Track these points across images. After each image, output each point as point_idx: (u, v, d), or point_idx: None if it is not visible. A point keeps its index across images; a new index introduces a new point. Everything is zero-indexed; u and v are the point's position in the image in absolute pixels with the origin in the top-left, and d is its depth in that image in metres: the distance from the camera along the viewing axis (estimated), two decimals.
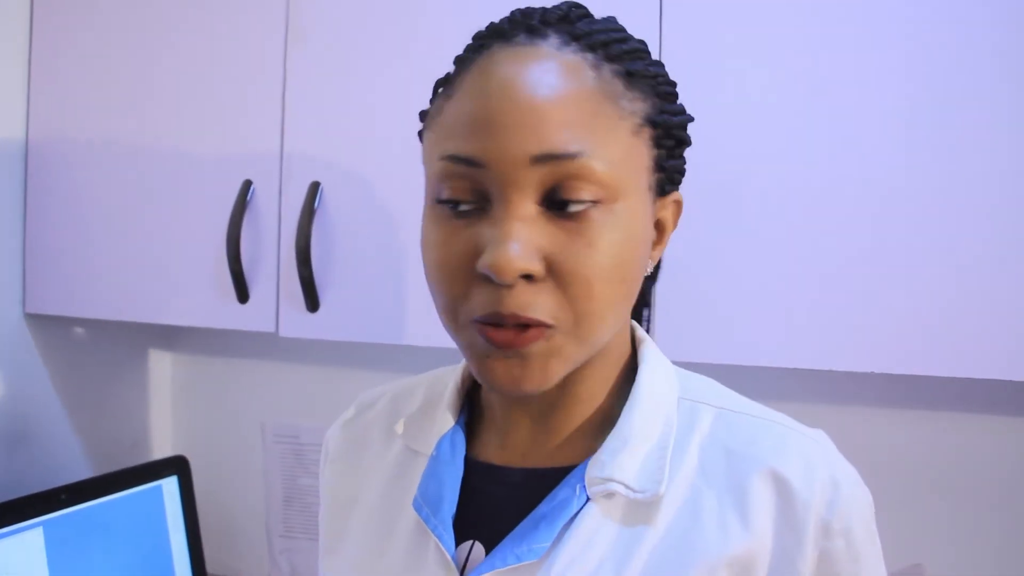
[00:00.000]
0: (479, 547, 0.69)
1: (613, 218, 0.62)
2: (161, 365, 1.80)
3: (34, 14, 1.48)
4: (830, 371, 1.04)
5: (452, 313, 0.64)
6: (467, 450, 0.74)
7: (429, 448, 0.74)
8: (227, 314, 1.30)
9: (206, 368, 1.77)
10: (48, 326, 1.54)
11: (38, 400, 1.54)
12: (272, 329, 1.27)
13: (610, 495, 0.66)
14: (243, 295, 1.28)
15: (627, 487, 0.65)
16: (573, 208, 0.61)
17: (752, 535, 0.64)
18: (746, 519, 0.64)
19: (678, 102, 0.70)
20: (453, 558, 0.68)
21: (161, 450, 1.78)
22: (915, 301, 1.00)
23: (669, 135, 0.67)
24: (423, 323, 1.19)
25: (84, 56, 1.43)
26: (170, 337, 1.79)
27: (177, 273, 1.35)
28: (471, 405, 0.78)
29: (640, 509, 0.66)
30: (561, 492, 0.66)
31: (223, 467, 1.71)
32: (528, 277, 0.60)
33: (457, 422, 0.75)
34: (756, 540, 0.64)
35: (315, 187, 1.23)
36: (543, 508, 0.66)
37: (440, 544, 0.68)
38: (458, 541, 0.69)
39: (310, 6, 1.26)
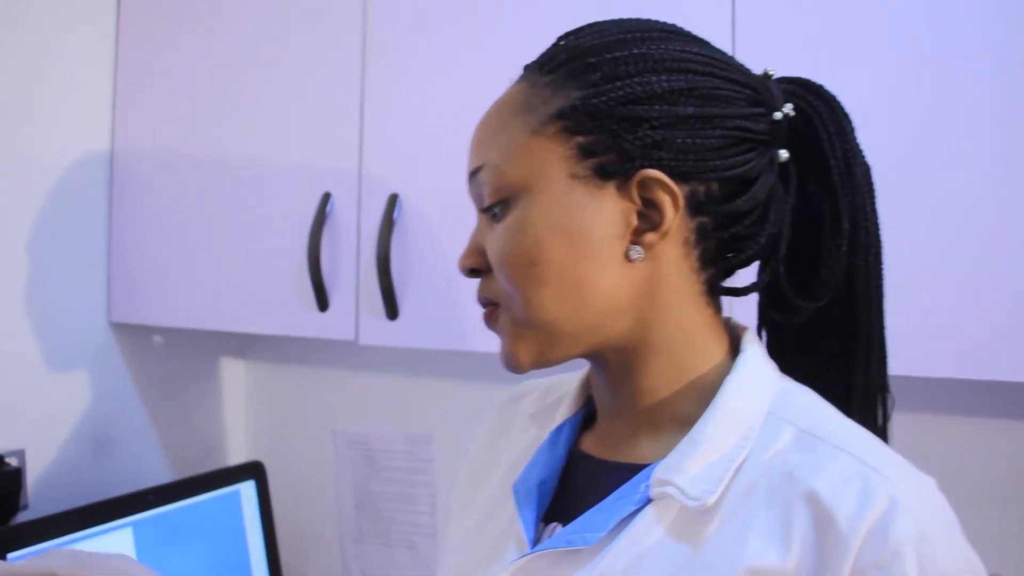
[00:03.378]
0: (559, 530, 0.73)
1: (519, 211, 0.70)
2: (236, 373, 1.85)
3: (120, 31, 1.54)
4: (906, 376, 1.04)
5: None
6: (576, 441, 0.79)
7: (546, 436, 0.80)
8: (307, 323, 1.34)
9: (279, 376, 1.82)
10: (131, 335, 1.59)
11: (121, 406, 1.59)
12: (352, 337, 1.31)
13: (667, 498, 0.66)
14: (323, 304, 1.32)
15: (682, 492, 0.65)
16: (492, 211, 0.72)
17: (785, 559, 0.62)
18: (785, 543, 0.62)
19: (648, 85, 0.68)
20: (529, 536, 0.73)
21: (236, 456, 1.83)
22: (1004, 306, 1.00)
23: (594, 120, 0.68)
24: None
25: (167, 72, 1.49)
26: (245, 346, 1.84)
27: (257, 283, 1.39)
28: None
29: (690, 516, 0.66)
30: (627, 488, 0.69)
31: (296, 473, 1.75)
32: (475, 271, 0.75)
33: (575, 414, 0.80)
34: (788, 565, 0.62)
35: (394, 199, 1.27)
36: (607, 501, 0.69)
37: (520, 522, 0.74)
38: (547, 522, 0.74)
39: (387, 22, 1.30)
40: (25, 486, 1.33)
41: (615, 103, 0.68)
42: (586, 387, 0.82)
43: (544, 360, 0.72)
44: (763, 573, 0.62)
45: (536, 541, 0.73)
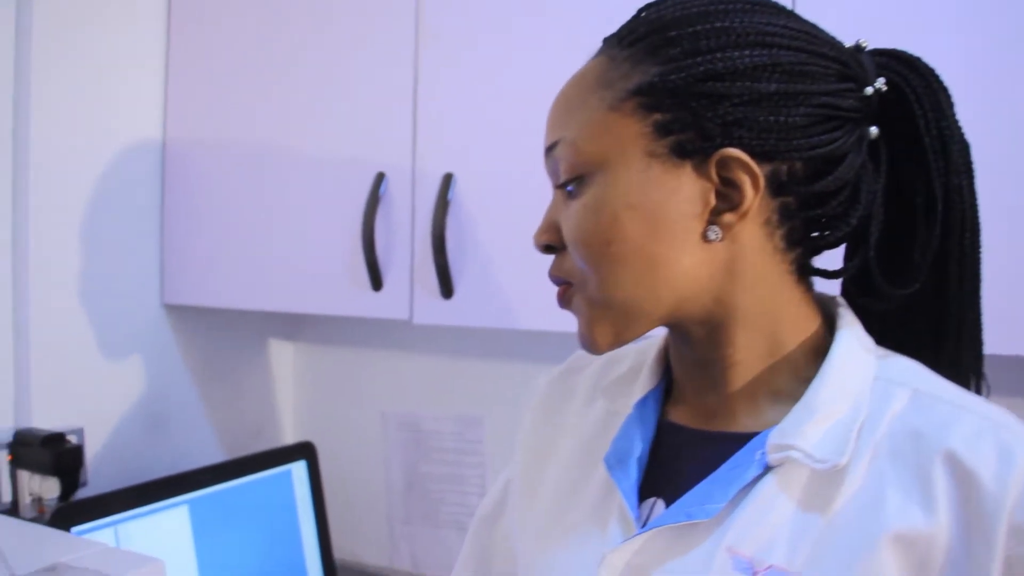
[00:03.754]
0: (660, 504, 0.72)
1: (596, 189, 0.69)
2: (286, 354, 1.86)
3: (171, 18, 1.55)
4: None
5: None
6: (662, 413, 0.78)
7: (627, 409, 0.78)
8: (361, 302, 1.35)
9: (328, 357, 1.83)
10: (184, 316, 1.61)
11: (175, 386, 1.61)
12: (406, 316, 1.31)
13: (790, 464, 0.66)
14: (377, 283, 1.32)
15: (808, 456, 0.64)
16: (568, 187, 0.71)
17: (931, 521, 0.61)
18: (928, 505, 0.61)
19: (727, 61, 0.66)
20: (634, 513, 0.71)
21: (286, 437, 1.85)
22: None
23: (673, 97, 0.67)
24: (557, 308, 1.21)
25: (218, 55, 1.50)
26: (294, 327, 1.86)
27: (310, 263, 1.40)
28: (671, 371, 0.80)
29: (819, 480, 0.65)
30: (741, 457, 0.68)
31: (345, 455, 1.76)
32: (549, 248, 0.74)
33: (656, 387, 0.79)
34: (935, 527, 0.61)
35: (448, 178, 1.27)
36: (721, 471, 0.68)
37: (623, 499, 0.72)
38: (643, 498, 0.73)
39: (440, 2, 1.30)
40: (85, 463, 1.35)
41: (695, 80, 0.66)
42: (663, 358, 0.80)
43: (622, 340, 0.71)
44: (909, 537, 0.61)
45: (644, 519, 0.72)
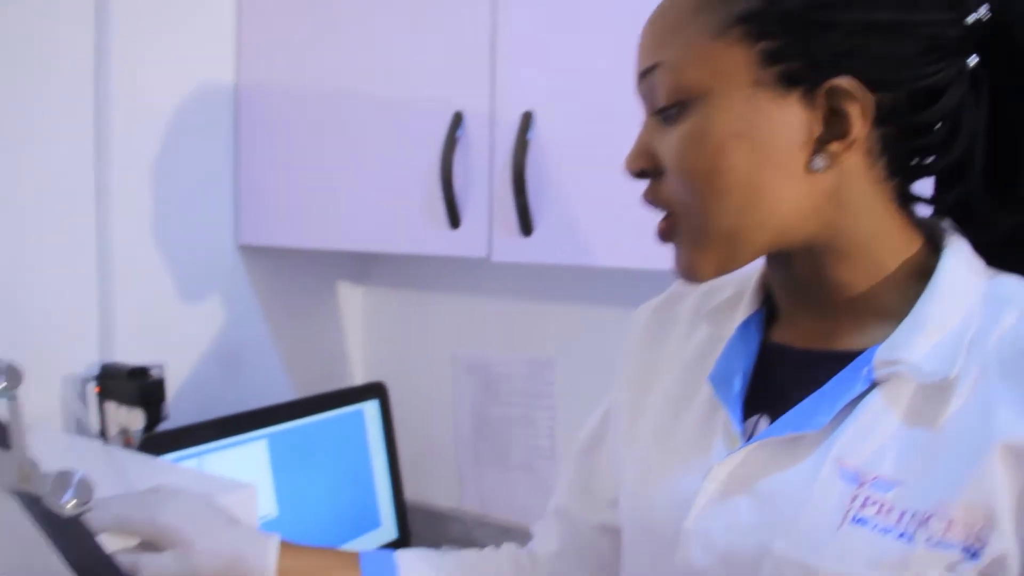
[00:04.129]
0: (764, 421, 0.73)
1: (699, 117, 0.67)
2: (357, 296, 1.88)
3: None
4: None
5: None
6: (764, 336, 0.79)
7: (730, 332, 0.79)
8: (438, 241, 1.35)
9: (399, 299, 1.84)
10: (258, 257, 1.63)
11: (249, 326, 1.63)
12: (484, 254, 1.31)
13: (896, 380, 0.66)
14: (455, 221, 1.32)
15: (916, 369, 0.65)
16: (666, 112, 0.69)
17: None
18: None
19: None
20: (739, 427, 0.73)
21: (357, 378, 1.87)
22: None
23: (782, 25, 0.65)
24: (638, 245, 1.20)
25: None
26: (366, 269, 1.87)
27: (386, 202, 1.41)
28: (772, 296, 0.81)
29: (927, 394, 0.65)
30: (847, 374, 0.68)
31: (415, 396, 1.78)
32: (643, 174, 0.72)
33: (758, 310, 0.80)
34: None
35: (528, 116, 1.26)
36: (828, 387, 0.69)
37: (728, 414, 0.73)
38: (746, 416, 0.74)
39: None
40: (166, 398, 1.38)
41: (805, 7, 0.65)
42: (765, 283, 0.81)
43: (725, 269, 0.71)
44: (1019, 449, 0.61)
45: (748, 434, 0.73)
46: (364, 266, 1.87)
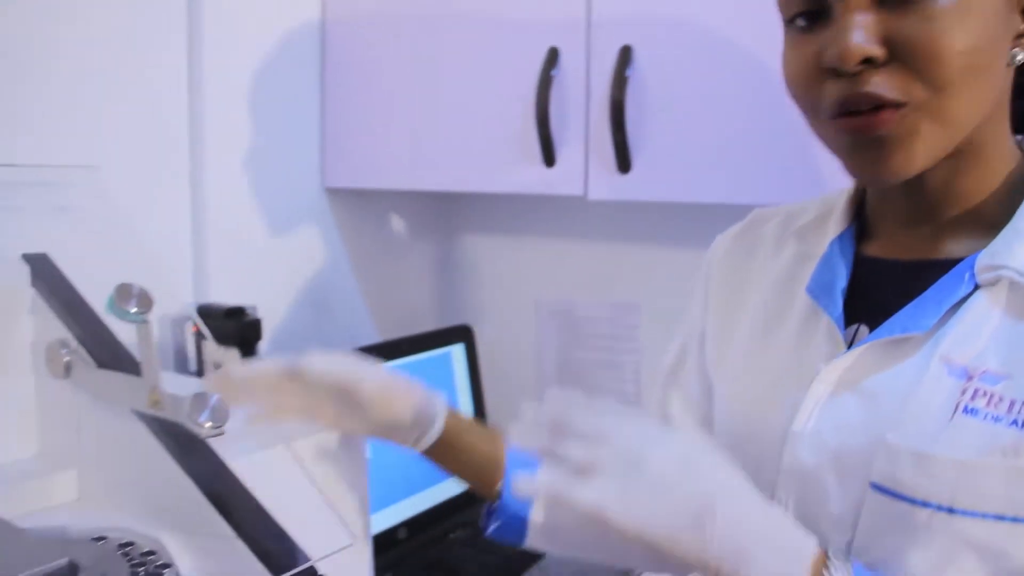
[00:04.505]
0: (864, 329, 0.74)
1: (944, 3, 0.64)
2: (443, 239, 1.88)
3: None
4: None
5: (814, 118, 0.71)
6: (856, 250, 0.79)
7: (821, 248, 0.80)
8: (532, 179, 1.33)
9: (484, 243, 1.83)
10: (345, 199, 1.63)
11: (335, 269, 1.64)
12: (580, 192, 1.30)
13: (1000, 284, 0.68)
14: (550, 159, 1.30)
15: (1019, 272, 0.66)
16: None
17: None
18: None
19: None
20: (842, 332, 0.73)
21: (442, 321, 1.87)
22: None
23: None
24: (738, 179, 1.18)
25: None
26: (451, 212, 1.86)
27: (478, 141, 1.39)
28: (861, 213, 0.82)
29: None
30: (949, 279, 0.70)
31: (499, 341, 1.77)
32: (869, 61, 0.65)
33: (849, 227, 0.81)
34: None
35: (626, 51, 1.23)
36: (931, 291, 0.70)
37: (831, 320, 0.74)
38: (845, 325, 0.75)
39: None
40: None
41: None
42: (856, 200, 0.82)
43: (931, 162, 0.68)
44: None
45: (849, 341, 0.74)
46: (449, 209, 1.86)
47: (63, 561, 0.65)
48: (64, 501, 0.86)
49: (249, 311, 1.36)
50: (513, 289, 1.78)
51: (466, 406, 1.60)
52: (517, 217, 1.77)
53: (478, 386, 1.63)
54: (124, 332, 0.85)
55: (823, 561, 0.63)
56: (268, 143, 1.49)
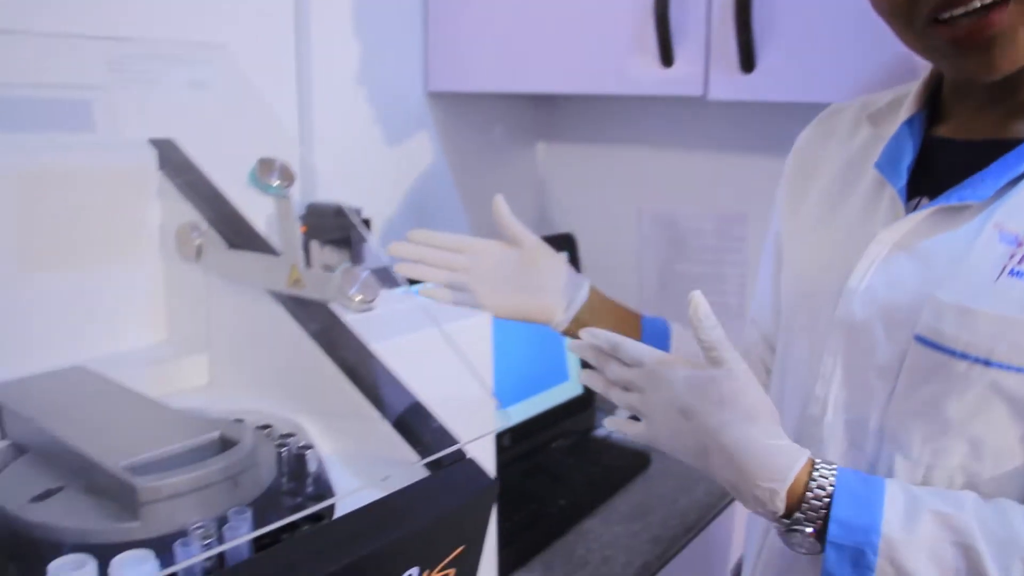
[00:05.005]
0: (926, 200, 0.79)
1: None
2: (545, 146, 1.85)
3: None
4: None
5: (906, 26, 0.73)
6: (926, 132, 0.83)
7: (893, 128, 0.84)
8: (649, 79, 1.29)
9: (586, 150, 1.80)
10: (448, 104, 1.60)
11: (437, 175, 1.62)
12: (700, 92, 1.25)
13: None
14: (668, 59, 1.25)
15: None
16: None
17: None
18: None
19: None
20: (904, 203, 0.78)
21: (542, 229, 1.84)
22: None
23: None
24: (864, 76, 1.12)
25: None
26: (554, 118, 1.83)
27: (591, 40, 1.34)
28: (935, 98, 0.85)
29: None
30: (1013, 155, 0.73)
31: (600, 251, 1.75)
32: None
33: (920, 111, 0.83)
34: None
35: None
36: (993, 166, 0.73)
37: (895, 191, 0.79)
38: (909, 198, 0.80)
39: None
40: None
41: None
42: (929, 86, 0.84)
43: None
44: None
45: (908, 209, 0.79)
46: (552, 115, 1.83)
47: (215, 434, 0.65)
48: (195, 386, 0.86)
49: (357, 211, 1.35)
50: (616, 197, 1.74)
51: None
52: (621, 123, 1.72)
53: None
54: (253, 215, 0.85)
55: (812, 465, 0.70)
56: (373, 46, 1.46)
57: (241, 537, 0.54)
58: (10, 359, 0.76)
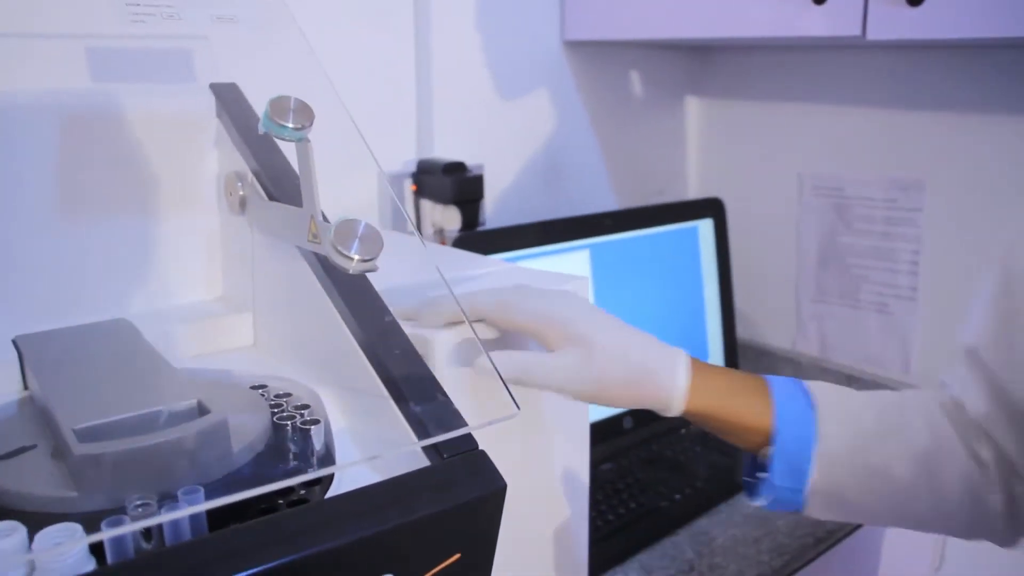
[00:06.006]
0: None
1: None
2: (693, 101, 1.70)
3: None
4: None
5: None
6: None
7: None
8: (800, 20, 1.12)
9: (741, 107, 1.63)
10: (586, 54, 1.48)
11: (573, 130, 1.50)
12: (857, 32, 1.07)
13: None
14: None
15: None
16: None
17: None
18: None
19: None
20: None
21: (689, 193, 1.71)
22: None
23: None
24: None
25: None
26: (703, 70, 1.67)
27: None
28: None
29: None
30: None
31: (753, 219, 1.58)
32: None
33: None
34: None
35: None
36: None
37: None
38: None
39: None
40: (484, 201, 1.28)
41: None
42: None
43: None
44: None
45: None
46: (702, 67, 1.67)
47: (192, 402, 0.57)
48: (240, 346, 0.79)
49: (471, 168, 1.25)
50: (772, 160, 1.57)
51: (711, 291, 1.43)
52: (776, 75, 1.54)
53: (726, 269, 1.45)
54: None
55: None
56: None
57: (173, 515, 0.46)
58: (62, 311, 0.72)
